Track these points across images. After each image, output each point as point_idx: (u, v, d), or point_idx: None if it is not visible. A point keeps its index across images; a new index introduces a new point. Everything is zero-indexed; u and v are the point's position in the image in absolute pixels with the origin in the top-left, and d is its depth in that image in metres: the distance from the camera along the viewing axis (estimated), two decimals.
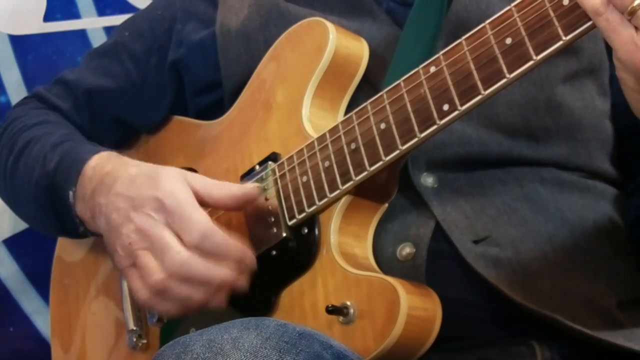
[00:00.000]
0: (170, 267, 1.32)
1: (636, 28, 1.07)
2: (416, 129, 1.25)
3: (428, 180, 1.39)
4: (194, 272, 1.33)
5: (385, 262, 1.35)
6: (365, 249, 1.36)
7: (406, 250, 1.35)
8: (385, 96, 1.30)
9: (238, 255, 1.35)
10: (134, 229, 1.36)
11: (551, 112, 1.42)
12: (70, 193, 1.51)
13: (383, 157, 1.28)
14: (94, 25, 2.05)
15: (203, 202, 1.37)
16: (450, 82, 1.22)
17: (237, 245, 1.35)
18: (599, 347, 1.30)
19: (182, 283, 1.33)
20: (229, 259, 1.34)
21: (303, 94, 1.43)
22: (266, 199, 1.41)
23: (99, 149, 1.55)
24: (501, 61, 1.18)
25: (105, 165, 1.48)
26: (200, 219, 1.34)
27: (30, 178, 1.60)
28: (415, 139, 1.25)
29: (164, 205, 1.35)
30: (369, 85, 1.44)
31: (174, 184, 1.37)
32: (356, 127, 1.32)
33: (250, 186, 1.40)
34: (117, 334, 1.63)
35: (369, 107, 1.31)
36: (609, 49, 1.47)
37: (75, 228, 1.54)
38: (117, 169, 1.46)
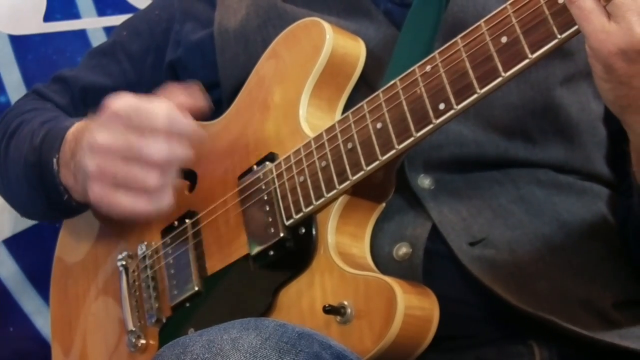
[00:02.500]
0: (158, 158, 1.35)
1: (608, 17, 1.08)
2: (412, 128, 1.25)
3: (425, 181, 1.39)
4: (178, 155, 1.36)
5: (382, 261, 1.35)
6: (362, 249, 1.36)
7: (403, 250, 1.35)
8: (381, 95, 1.30)
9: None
10: (96, 150, 1.37)
11: (548, 115, 1.43)
12: (54, 160, 1.52)
13: (379, 157, 1.28)
14: (94, 25, 2.05)
15: None
16: (445, 81, 1.22)
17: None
18: (597, 346, 1.30)
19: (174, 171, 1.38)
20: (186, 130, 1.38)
21: (300, 93, 1.43)
22: (263, 199, 1.40)
23: (81, 119, 1.56)
24: (496, 59, 1.18)
25: (83, 128, 1.48)
26: (158, 103, 1.36)
27: (19, 156, 1.62)
28: (412, 138, 1.25)
29: (117, 113, 1.36)
30: (366, 86, 1.44)
31: (119, 100, 1.38)
32: (352, 127, 1.32)
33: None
34: (117, 334, 1.64)
35: (365, 106, 1.31)
36: None
37: (60, 197, 1.54)
38: (89, 125, 1.45)
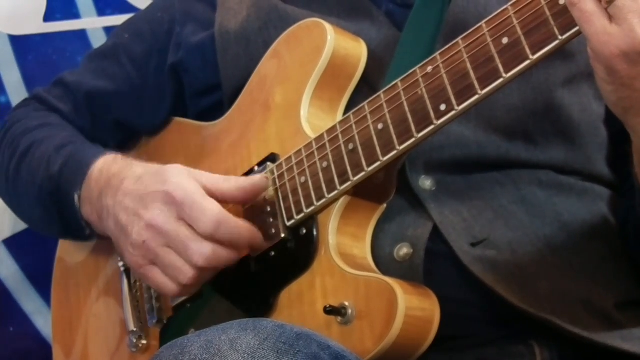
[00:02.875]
0: (198, 262, 1.35)
1: (610, 19, 1.08)
2: (413, 129, 1.25)
3: (426, 183, 1.39)
4: (221, 262, 1.36)
5: (383, 262, 1.35)
6: (363, 250, 1.36)
7: (404, 250, 1.35)
8: (382, 96, 1.30)
9: (251, 238, 1.37)
10: (144, 225, 1.38)
11: (549, 116, 1.43)
12: (76, 196, 1.52)
13: (381, 158, 1.28)
14: (94, 25, 2.05)
15: (211, 195, 1.37)
16: (447, 82, 1.22)
17: (248, 229, 1.37)
18: (598, 347, 1.30)
19: (211, 272, 1.38)
20: (243, 243, 1.37)
21: (302, 94, 1.43)
22: (265, 200, 1.41)
23: (103, 151, 1.56)
24: (497, 60, 1.18)
25: (111, 167, 1.49)
26: (212, 207, 1.35)
27: (33, 181, 1.60)
28: (413, 139, 1.25)
29: (174, 198, 1.36)
30: (368, 87, 1.44)
31: (181, 177, 1.38)
32: (354, 127, 1.32)
33: (258, 177, 1.41)
34: (119, 335, 1.64)
35: (366, 107, 1.32)
36: None
37: (82, 231, 1.54)
38: (124, 170, 1.47)
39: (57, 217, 1.58)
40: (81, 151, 1.58)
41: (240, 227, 1.36)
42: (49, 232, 1.74)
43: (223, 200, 1.38)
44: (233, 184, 1.40)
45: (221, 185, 1.39)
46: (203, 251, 1.34)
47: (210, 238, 1.34)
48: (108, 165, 1.50)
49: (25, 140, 1.66)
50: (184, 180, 1.38)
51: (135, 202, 1.40)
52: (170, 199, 1.36)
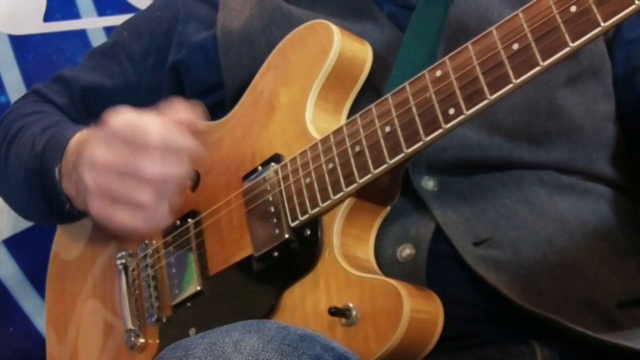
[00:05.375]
0: (153, 173, 1.34)
1: None
2: (421, 132, 1.25)
3: (429, 183, 1.39)
4: (173, 170, 1.35)
5: (386, 263, 1.36)
6: (367, 252, 1.36)
7: (406, 251, 1.35)
8: (390, 99, 1.30)
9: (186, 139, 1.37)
10: (93, 168, 1.37)
11: (552, 116, 1.43)
12: (56, 170, 1.52)
13: (388, 160, 1.28)
14: (94, 25, 2.05)
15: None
16: (456, 86, 1.23)
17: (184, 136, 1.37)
18: (599, 346, 1.30)
19: (169, 187, 1.37)
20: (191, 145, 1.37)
21: (307, 95, 1.43)
22: (269, 200, 1.41)
23: (82, 127, 1.56)
24: (507, 66, 1.18)
25: (83, 140, 1.49)
26: (152, 120, 1.35)
27: (20, 162, 1.61)
28: (421, 142, 1.26)
29: (114, 130, 1.35)
30: (371, 88, 1.45)
31: (119, 114, 1.37)
32: (361, 130, 1.32)
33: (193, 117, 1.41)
34: (115, 333, 1.63)
35: (373, 110, 1.32)
36: (610, 50, 1.49)
37: (62, 206, 1.54)
38: (90, 137, 1.45)
39: (41, 194, 1.58)
40: (63, 129, 1.59)
41: (181, 135, 1.36)
42: (35, 214, 1.74)
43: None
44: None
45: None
46: (151, 164, 1.33)
47: (160, 151, 1.34)
48: (82, 139, 1.50)
49: (16, 125, 1.68)
50: (120, 114, 1.37)
51: (88, 156, 1.39)
52: (111, 132, 1.36)
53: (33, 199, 1.62)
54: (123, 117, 1.36)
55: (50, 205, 1.58)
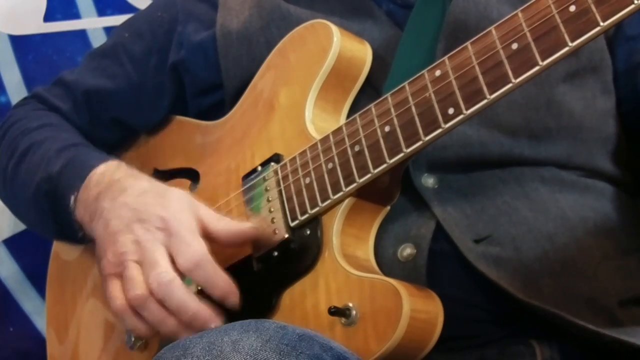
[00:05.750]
0: (152, 284, 1.31)
1: None
2: (421, 132, 1.26)
3: (429, 181, 1.39)
4: (173, 295, 1.31)
5: (386, 262, 1.35)
6: (366, 251, 1.36)
7: (407, 250, 1.35)
8: (389, 99, 1.30)
9: (224, 292, 1.34)
10: (132, 239, 1.36)
11: (552, 112, 1.43)
12: (72, 197, 1.50)
13: (387, 160, 1.28)
14: (94, 25, 2.05)
15: (205, 231, 1.36)
16: (455, 86, 1.23)
17: (225, 281, 1.34)
18: (599, 345, 1.30)
19: (159, 306, 1.32)
20: (214, 294, 1.34)
21: (306, 95, 1.43)
22: (268, 200, 1.41)
23: (107, 157, 1.55)
24: (507, 66, 1.18)
25: (115, 172, 1.48)
26: (198, 247, 1.33)
27: (31, 182, 1.60)
28: (420, 142, 1.26)
29: (168, 226, 1.34)
30: (370, 87, 1.45)
31: (182, 208, 1.37)
32: (360, 130, 1.32)
33: (248, 226, 1.39)
34: (115, 332, 1.63)
35: (373, 110, 1.32)
36: (609, 46, 1.49)
37: (75, 233, 1.53)
38: (128, 179, 1.46)
39: (52, 217, 1.57)
40: (84, 154, 1.58)
41: (218, 277, 1.33)
42: (44, 233, 1.73)
43: (214, 240, 1.37)
44: (224, 225, 1.38)
45: (214, 224, 1.37)
46: (163, 276, 1.31)
47: (186, 274, 1.33)
48: (111, 170, 1.49)
49: (25, 141, 1.66)
50: (183, 211, 1.37)
51: (132, 214, 1.38)
52: (164, 225, 1.35)
53: (42, 220, 1.61)
54: (180, 218, 1.36)
55: (61, 228, 1.57)
